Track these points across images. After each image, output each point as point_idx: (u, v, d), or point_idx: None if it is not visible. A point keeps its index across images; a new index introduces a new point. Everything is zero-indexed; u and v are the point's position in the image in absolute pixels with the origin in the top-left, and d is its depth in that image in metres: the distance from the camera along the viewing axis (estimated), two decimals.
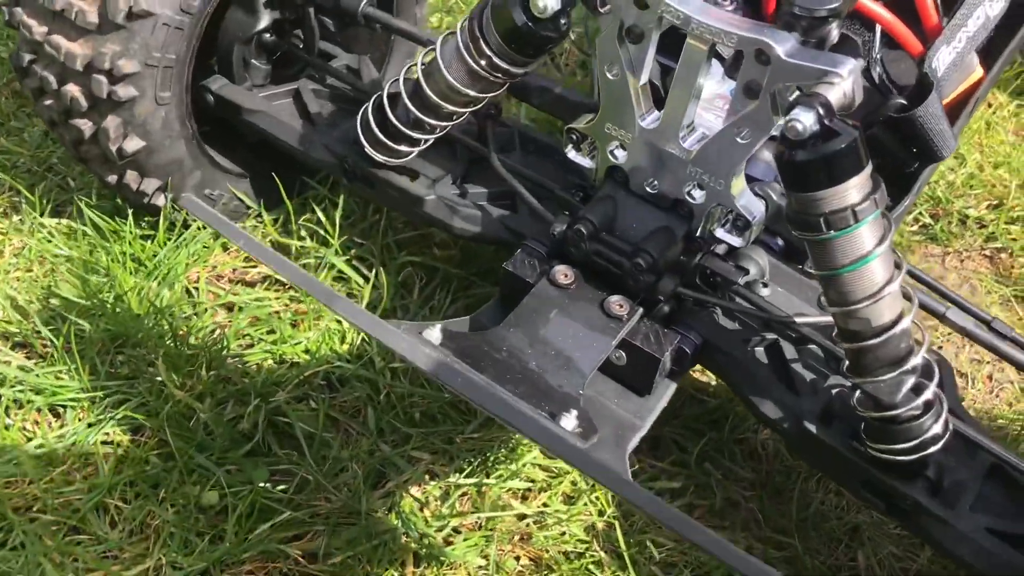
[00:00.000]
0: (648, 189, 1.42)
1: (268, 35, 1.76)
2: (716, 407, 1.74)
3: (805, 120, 1.11)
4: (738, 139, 1.28)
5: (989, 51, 1.86)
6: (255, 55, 1.77)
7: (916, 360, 1.25)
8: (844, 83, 1.15)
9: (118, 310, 1.71)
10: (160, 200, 1.72)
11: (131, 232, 1.79)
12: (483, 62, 1.35)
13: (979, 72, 1.75)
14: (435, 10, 2.46)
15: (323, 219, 1.84)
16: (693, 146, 1.34)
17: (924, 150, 1.55)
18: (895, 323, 1.22)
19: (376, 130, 1.55)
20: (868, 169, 1.15)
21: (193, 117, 1.68)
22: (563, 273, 1.44)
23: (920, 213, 2.10)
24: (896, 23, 1.55)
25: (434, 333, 1.32)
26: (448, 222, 1.60)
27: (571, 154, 1.47)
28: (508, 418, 1.14)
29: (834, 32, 1.25)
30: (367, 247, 1.87)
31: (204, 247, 1.85)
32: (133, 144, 1.59)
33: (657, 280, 1.40)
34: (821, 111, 1.12)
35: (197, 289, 1.82)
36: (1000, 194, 2.13)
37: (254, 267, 1.89)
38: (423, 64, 1.46)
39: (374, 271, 1.82)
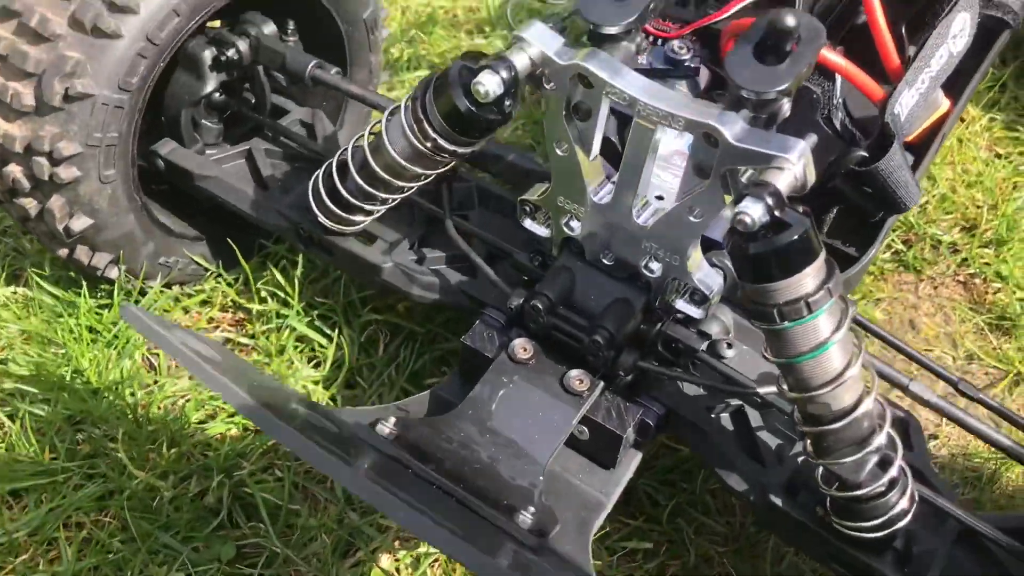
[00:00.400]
0: (605, 260, 1.38)
1: (218, 94, 1.71)
2: (688, 456, 1.72)
3: (754, 213, 1.08)
4: (691, 218, 1.25)
5: (955, 80, 1.83)
6: (205, 115, 1.73)
7: (880, 439, 1.22)
8: (795, 168, 1.12)
9: (76, 386, 1.68)
10: (113, 272, 1.68)
11: (86, 303, 1.76)
12: (428, 144, 1.32)
13: (945, 105, 1.71)
14: (395, 41, 2.41)
15: (282, 280, 1.80)
16: (647, 221, 1.31)
17: (888, 202, 1.52)
18: (856, 405, 1.19)
19: (327, 200, 1.52)
20: (821, 257, 1.12)
21: (141, 190, 1.64)
22: (522, 347, 1.41)
23: (893, 239, 2.06)
24: (854, 71, 1.51)
25: (387, 425, 1.29)
26: (406, 290, 1.57)
27: (526, 223, 1.43)
28: (450, 553, 1.11)
29: (785, 106, 1.22)
30: (329, 305, 1.83)
31: (164, 311, 1.82)
32: (80, 223, 1.55)
33: (617, 355, 1.37)
34: (771, 201, 1.09)
35: (157, 355, 1.79)
36: (973, 216, 2.10)
37: (216, 327, 1.86)
38: (370, 138, 1.42)
39: (337, 330, 1.79)
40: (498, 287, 1.47)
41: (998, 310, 1.97)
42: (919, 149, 1.74)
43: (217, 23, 1.72)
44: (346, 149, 1.49)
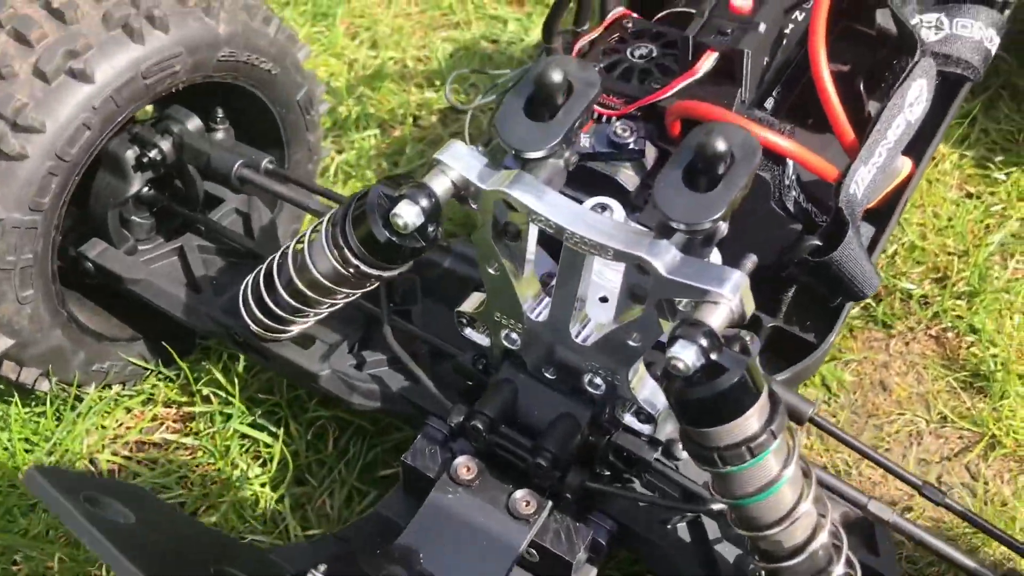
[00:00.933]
0: (547, 375, 1.32)
1: (147, 189, 1.64)
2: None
3: (687, 358, 1.00)
4: (630, 341, 1.18)
5: (918, 138, 1.76)
6: (134, 212, 1.66)
7: (838, 570, 1.16)
8: (731, 302, 1.05)
9: (11, 504, 1.61)
10: (44, 386, 1.61)
11: (19, 414, 1.69)
12: (351, 269, 1.24)
13: (907, 168, 1.64)
14: (342, 99, 2.33)
15: (222, 380, 1.73)
16: (586, 340, 1.24)
17: (844, 291, 1.45)
18: (810, 540, 1.13)
19: (256, 312, 1.44)
20: (763, 396, 1.05)
21: (65, 303, 1.56)
22: (465, 466, 1.34)
23: None
24: (804, 153, 1.44)
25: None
26: (346, 398, 1.50)
27: (467, 332, 1.36)
28: None
29: (723, 226, 1.15)
30: (274, 400, 1.76)
31: (105, 413, 1.75)
32: (1, 344, 1.48)
33: (563, 475, 1.30)
34: (705, 343, 1.02)
35: (95, 461, 1.72)
36: (944, 265, 2.03)
37: (161, 424, 1.79)
38: (294, 255, 1.34)
39: (283, 426, 1.72)
40: (438, 400, 1.40)
41: (972, 366, 1.90)
42: (882, 214, 1.67)
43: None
44: (274, 257, 1.41)
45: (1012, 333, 1.93)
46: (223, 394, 1.74)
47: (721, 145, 1.06)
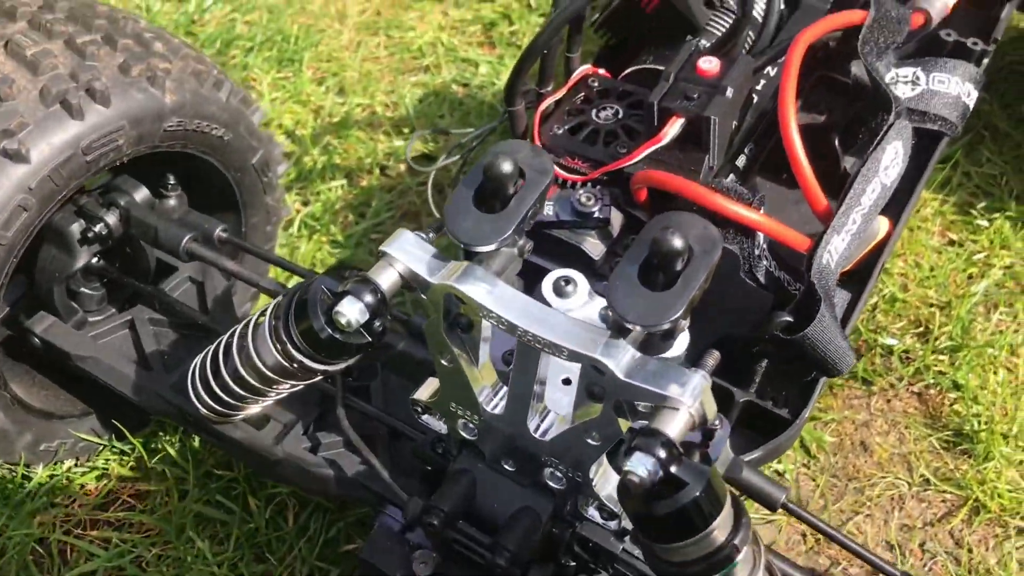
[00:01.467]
0: (507, 466, 1.26)
1: (96, 260, 1.57)
2: None
3: (643, 472, 0.95)
4: (589, 440, 1.12)
5: (895, 195, 1.71)
6: (83, 283, 1.59)
7: None
8: (690, 407, 0.99)
9: None
10: None
11: None
12: (295, 364, 1.18)
13: (885, 228, 1.59)
14: (308, 149, 2.27)
15: (176, 457, 1.67)
16: (545, 434, 1.18)
17: (818, 367, 1.39)
18: None
19: (204, 396, 1.38)
20: (726, 509, 0.99)
21: (7, 386, 1.50)
22: (422, 561, 1.28)
23: None
24: (773, 226, 1.39)
25: None
26: (300, 482, 1.44)
27: (424, 419, 1.30)
28: None
29: (683, 324, 1.09)
30: (232, 475, 1.70)
31: (57, 489, 1.69)
32: None
33: (524, 573, 1.24)
34: (662, 455, 0.96)
35: (47, 543, 1.65)
36: (926, 318, 1.97)
37: (116, 499, 1.72)
38: (239, 343, 1.28)
39: (241, 503, 1.66)
40: (393, 489, 1.34)
41: (955, 425, 1.84)
42: (859, 276, 1.62)
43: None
44: (222, 340, 1.35)
45: (996, 390, 1.87)
46: (178, 470, 1.67)
47: (677, 243, 1.00)
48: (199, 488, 1.67)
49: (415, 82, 2.41)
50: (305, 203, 2.17)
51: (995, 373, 1.90)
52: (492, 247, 1.08)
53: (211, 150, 1.59)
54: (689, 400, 0.98)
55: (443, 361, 1.17)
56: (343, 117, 2.32)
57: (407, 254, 1.10)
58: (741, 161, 1.67)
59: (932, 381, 1.90)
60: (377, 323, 1.12)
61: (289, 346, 1.17)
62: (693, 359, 1.17)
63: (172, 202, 1.63)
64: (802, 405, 1.44)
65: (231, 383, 1.31)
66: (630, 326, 1.02)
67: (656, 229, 1.02)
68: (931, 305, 2.00)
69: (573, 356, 1.04)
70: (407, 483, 1.37)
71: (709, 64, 1.49)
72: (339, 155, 2.24)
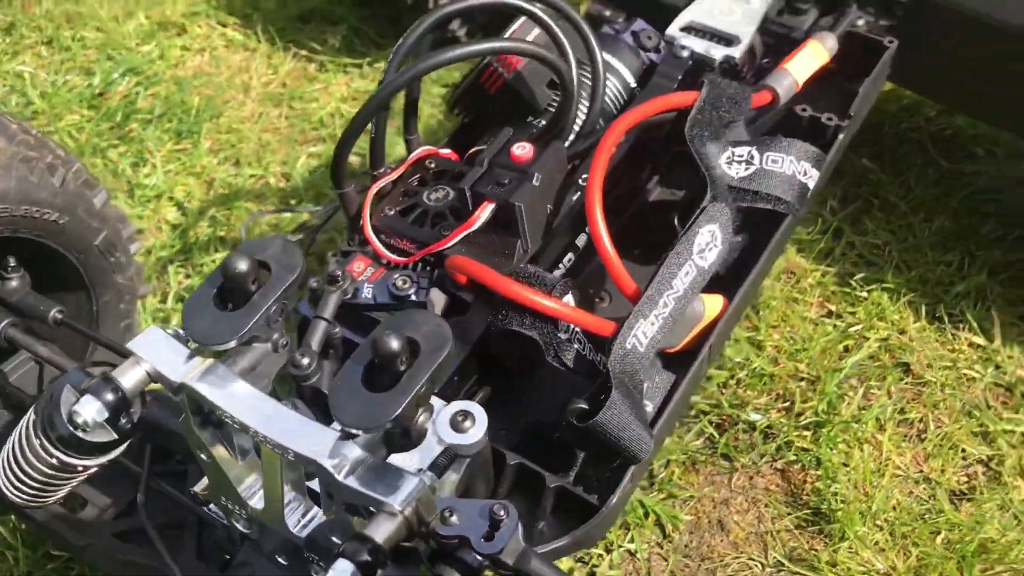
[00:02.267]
0: (281, 561, 1.25)
1: None
2: None
3: None
4: (333, 538, 1.11)
5: (739, 271, 1.71)
6: None
7: None
8: (404, 512, 0.99)
9: None
10: None
11: None
12: (55, 460, 1.19)
13: (718, 306, 1.58)
14: (196, 221, 2.29)
15: (7, 535, 1.67)
16: (300, 531, 1.17)
17: (616, 453, 1.38)
18: None
19: (11, 479, 1.38)
20: None
21: None
22: None
23: (705, 424, 1.92)
24: (572, 313, 1.39)
25: None
26: (107, 568, 1.43)
27: (209, 509, 1.30)
28: None
29: (420, 418, 1.09)
30: (69, 556, 1.70)
31: None
32: None
33: None
34: (367, 559, 0.96)
35: None
36: (793, 392, 1.96)
37: None
38: (26, 434, 1.28)
39: None
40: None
41: (814, 503, 1.82)
42: (691, 356, 1.60)
43: None
44: (19, 427, 1.35)
45: (858, 466, 1.85)
46: (10, 554, 1.67)
47: (394, 344, 1.00)
48: (37, 570, 1.67)
49: (311, 153, 2.44)
50: (188, 276, 2.19)
51: (860, 449, 1.88)
52: (230, 344, 1.09)
53: (46, 234, 1.61)
54: (399, 505, 0.98)
55: (202, 456, 1.17)
56: (235, 189, 2.34)
57: (153, 352, 1.11)
58: (582, 240, 1.67)
59: (794, 458, 1.88)
60: (123, 420, 1.12)
61: (44, 440, 1.17)
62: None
63: (14, 283, 1.64)
64: (610, 492, 1.43)
65: (24, 469, 1.31)
66: (352, 430, 1.01)
67: (378, 330, 1.02)
68: (801, 379, 1.99)
69: (299, 458, 1.04)
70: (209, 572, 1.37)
71: (522, 150, 1.50)
72: (225, 227, 2.26)
